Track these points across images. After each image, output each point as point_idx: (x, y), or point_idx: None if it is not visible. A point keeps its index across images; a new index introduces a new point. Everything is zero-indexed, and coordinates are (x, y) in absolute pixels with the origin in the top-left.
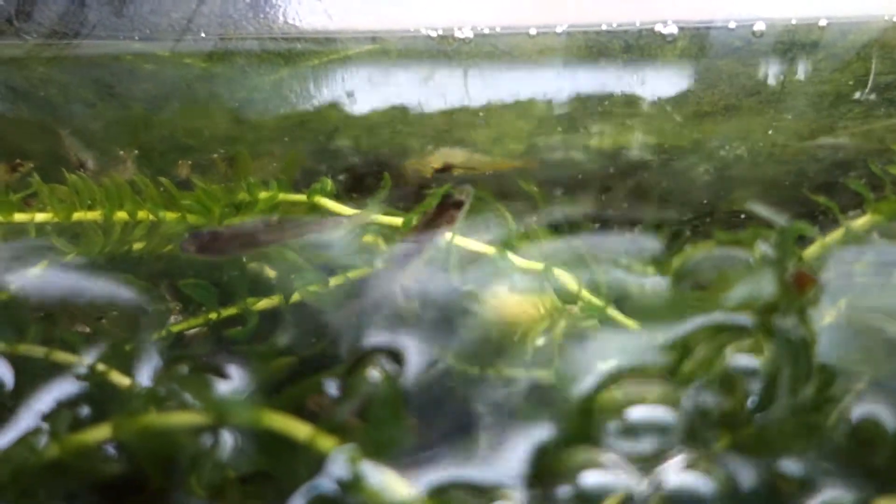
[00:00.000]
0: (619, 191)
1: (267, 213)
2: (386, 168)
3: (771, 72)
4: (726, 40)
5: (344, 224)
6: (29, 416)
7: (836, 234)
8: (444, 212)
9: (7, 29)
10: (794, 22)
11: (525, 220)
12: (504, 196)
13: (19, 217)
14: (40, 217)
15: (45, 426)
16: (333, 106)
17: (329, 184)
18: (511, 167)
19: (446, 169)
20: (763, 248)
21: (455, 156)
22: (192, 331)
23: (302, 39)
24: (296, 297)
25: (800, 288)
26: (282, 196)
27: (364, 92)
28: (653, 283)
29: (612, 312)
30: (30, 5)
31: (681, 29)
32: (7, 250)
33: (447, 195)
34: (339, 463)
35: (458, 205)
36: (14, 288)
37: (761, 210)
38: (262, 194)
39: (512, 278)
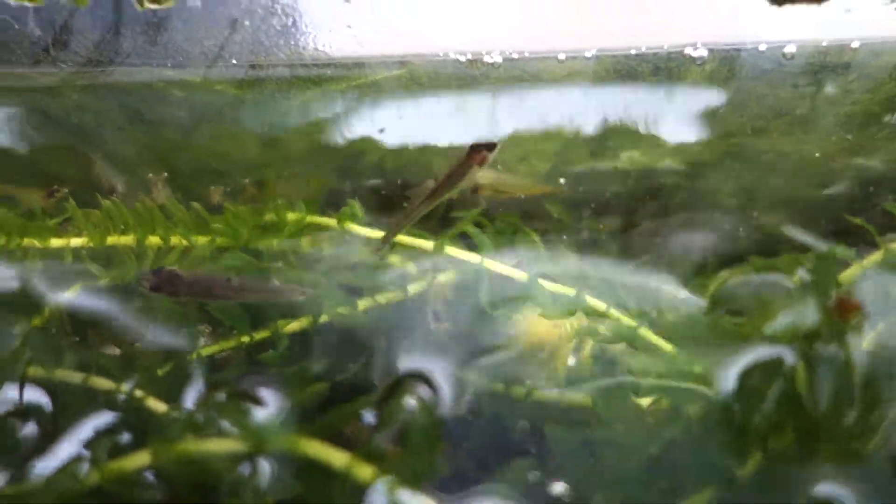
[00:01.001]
0: (646, 212)
1: (293, 236)
2: (412, 189)
3: (801, 93)
4: (756, 63)
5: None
6: (69, 443)
7: (874, 257)
8: (477, 153)
9: (44, 58)
10: (825, 44)
11: (554, 242)
12: (532, 218)
13: (56, 242)
14: (76, 242)
15: (86, 453)
16: (361, 130)
17: (356, 207)
18: (539, 190)
19: (474, 190)
20: (802, 273)
21: (483, 177)
22: (223, 354)
23: (332, 65)
24: (325, 318)
25: (843, 315)
26: (310, 218)
27: (391, 115)
28: (688, 307)
29: (646, 335)
30: (66, 35)
31: (710, 52)
32: (44, 275)
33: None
34: (378, 491)
35: (490, 147)
36: (50, 312)
37: (796, 233)
38: (291, 216)
39: (542, 301)
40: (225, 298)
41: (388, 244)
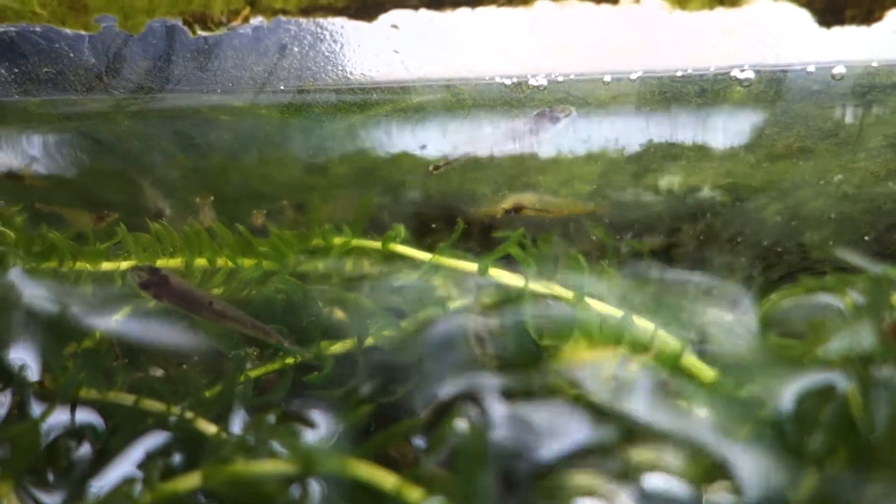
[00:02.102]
0: (692, 233)
1: (338, 259)
2: (455, 213)
3: (849, 114)
4: (804, 84)
5: (276, 338)
6: (123, 464)
7: None
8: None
9: (97, 85)
10: (874, 65)
11: (597, 263)
12: (575, 239)
13: (106, 265)
14: (125, 265)
15: (139, 474)
16: (404, 152)
17: (401, 230)
18: (582, 210)
19: (517, 210)
20: (854, 295)
21: (525, 199)
22: (269, 376)
23: (378, 90)
24: (370, 341)
25: None
26: (355, 242)
27: (435, 138)
28: (737, 329)
29: (691, 360)
30: (119, 62)
31: (757, 73)
32: (95, 297)
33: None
34: None
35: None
36: (100, 335)
37: (846, 254)
38: (336, 240)
39: (587, 323)
40: (203, 317)
41: (440, 169)
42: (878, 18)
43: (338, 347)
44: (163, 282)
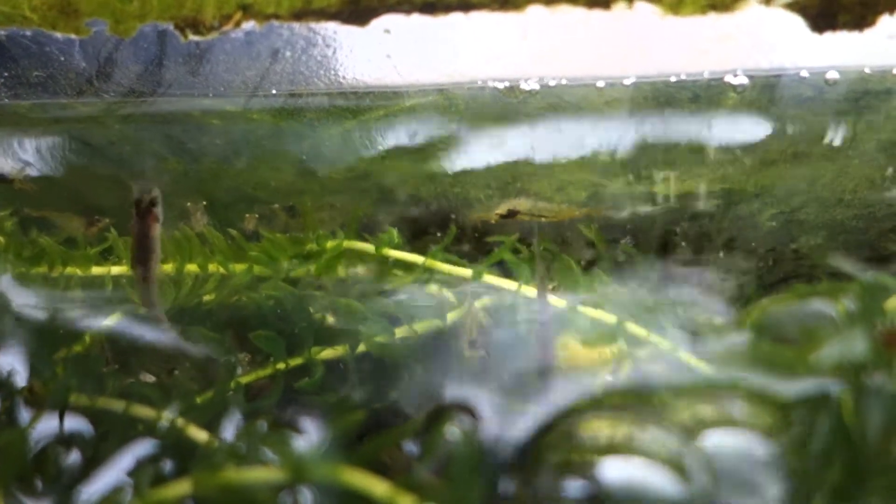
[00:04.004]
0: (684, 238)
1: (331, 264)
2: (448, 218)
3: (842, 119)
4: (798, 90)
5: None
6: (111, 471)
7: None
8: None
9: (87, 89)
10: (867, 70)
11: (591, 268)
12: (569, 244)
13: (96, 270)
14: (116, 270)
15: (129, 481)
16: (397, 157)
17: (394, 234)
18: (576, 215)
19: (511, 215)
20: (847, 302)
21: (520, 204)
22: (260, 382)
23: (370, 94)
24: (362, 346)
25: (891, 346)
26: (347, 244)
27: (426, 142)
28: (729, 335)
29: (685, 357)
30: (110, 66)
31: (750, 78)
32: (85, 302)
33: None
34: None
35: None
36: (90, 339)
37: (839, 261)
38: (329, 243)
39: (580, 327)
40: (133, 267)
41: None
42: (871, 23)
43: (329, 353)
44: (146, 214)
